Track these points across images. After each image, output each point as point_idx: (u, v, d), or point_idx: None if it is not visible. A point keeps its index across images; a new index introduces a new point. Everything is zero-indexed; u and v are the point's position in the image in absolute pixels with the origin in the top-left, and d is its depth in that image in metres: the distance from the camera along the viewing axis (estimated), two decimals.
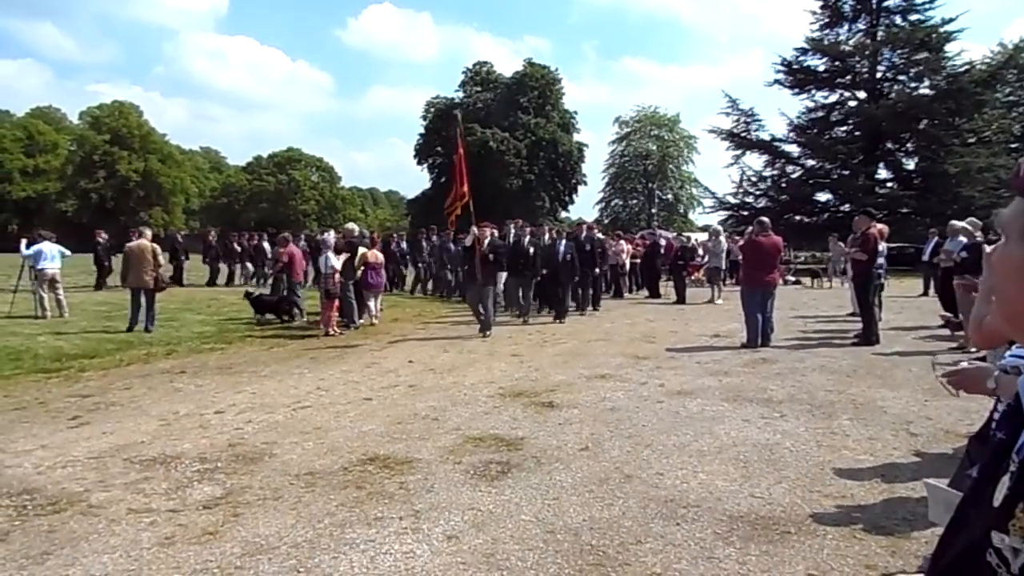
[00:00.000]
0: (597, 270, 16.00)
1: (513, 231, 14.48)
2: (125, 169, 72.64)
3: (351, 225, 12.34)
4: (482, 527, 3.91)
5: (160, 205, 76.67)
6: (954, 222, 12.00)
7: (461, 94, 60.18)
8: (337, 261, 12.09)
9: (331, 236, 13.15)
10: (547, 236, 15.16)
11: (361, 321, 12.81)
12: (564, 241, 14.22)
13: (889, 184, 36.72)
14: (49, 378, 8.39)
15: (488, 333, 11.49)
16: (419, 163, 60.48)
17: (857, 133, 36.25)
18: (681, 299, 17.84)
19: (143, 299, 12.15)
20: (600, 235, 17.74)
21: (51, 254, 14.12)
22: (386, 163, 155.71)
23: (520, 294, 14.20)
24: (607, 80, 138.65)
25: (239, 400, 7.09)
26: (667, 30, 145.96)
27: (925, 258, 15.43)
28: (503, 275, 11.69)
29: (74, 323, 12.99)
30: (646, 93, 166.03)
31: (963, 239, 10.94)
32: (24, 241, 15.15)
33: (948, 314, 10.84)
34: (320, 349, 10.53)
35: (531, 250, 13.72)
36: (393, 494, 4.44)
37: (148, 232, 13.34)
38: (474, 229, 11.61)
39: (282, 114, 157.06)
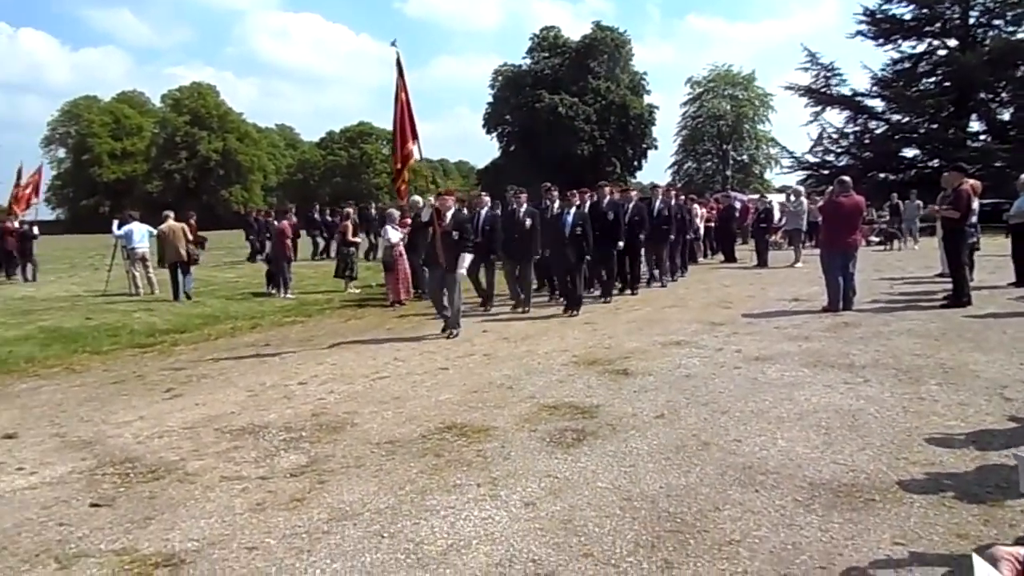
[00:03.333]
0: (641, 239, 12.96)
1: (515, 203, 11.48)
2: (205, 149, 75.32)
3: (416, 198, 12.09)
4: (559, 494, 3.95)
5: (239, 183, 79.20)
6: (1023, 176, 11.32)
7: (529, 60, 59.68)
8: (395, 234, 12.24)
9: (395, 211, 13.27)
10: (555, 205, 11.49)
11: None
12: (574, 210, 10.70)
13: (982, 137, 34.77)
14: (144, 352, 8.85)
15: (455, 332, 9.11)
16: (488, 132, 60.48)
17: (947, 84, 34.34)
18: (763, 262, 17.42)
19: (180, 272, 13.53)
20: (665, 199, 14.84)
21: (140, 234, 14.80)
22: (454, 133, 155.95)
23: (518, 276, 11.57)
24: (673, 40, 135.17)
25: (320, 371, 7.32)
26: None
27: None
28: (467, 257, 9.10)
29: (163, 299, 13.60)
30: (714, 52, 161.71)
31: None
32: (116, 222, 15.92)
33: None
34: (396, 319, 10.75)
35: (528, 222, 11.01)
36: (471, 461, 4.52)
37: (171, 214, 14.69)
38: (430, 199, 9.47)
39: (350, 88, 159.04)
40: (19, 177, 18.71)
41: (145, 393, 6.71)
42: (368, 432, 5.22)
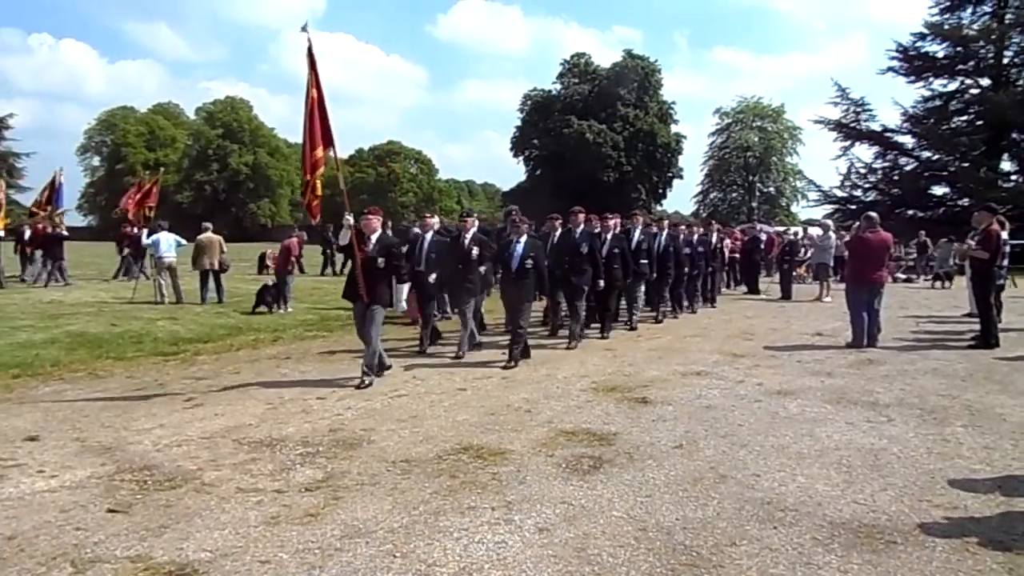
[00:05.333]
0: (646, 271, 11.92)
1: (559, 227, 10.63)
2: (236, 162, 76.50)
3: (433, 220, 11.31)
4: (573, 521, 3.92)
5: (268, 197, 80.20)
6: None
7: (558, 86, 60.09)
8: None
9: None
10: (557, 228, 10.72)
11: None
12: (524, 239, 8.82)
13: (1014, 177, 34.48)
14: (167, 360, 8.93)
15: (368, 381, 7.39)
16: (515, 155, 60.84)
17: (979, 123, 34.13)
18: (787, 295, 17.28)
19: (211, 279, 15.00)
20: (687, 231, 14.43)
21: (168, 243, 15.05)
22: (481, 156, 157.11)
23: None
24: (701, 71, 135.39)
25: (338, 387, 7.33)
26: (760, 18, 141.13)
27: None
28: (404, 288, 7.81)
29: (189, 308, 13.75)
30: (741, 84, 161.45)
31: None
32: (145, 231, 16.17)
33: None
34: (416, 339, 10.76)
35: (474, 251, 9.23)
36: (486, 484, 4.50)
37: (210, 225, 15.69)
38: (348, 218, 7.46)
39: (379, 108, 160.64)
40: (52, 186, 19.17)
41: (166, 401, 6.76)
42: (384, 450, 5.22)
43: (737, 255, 20.96)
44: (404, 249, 8.65)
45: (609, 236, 10.89)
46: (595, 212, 11.92)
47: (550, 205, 11.72)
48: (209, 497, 4.28)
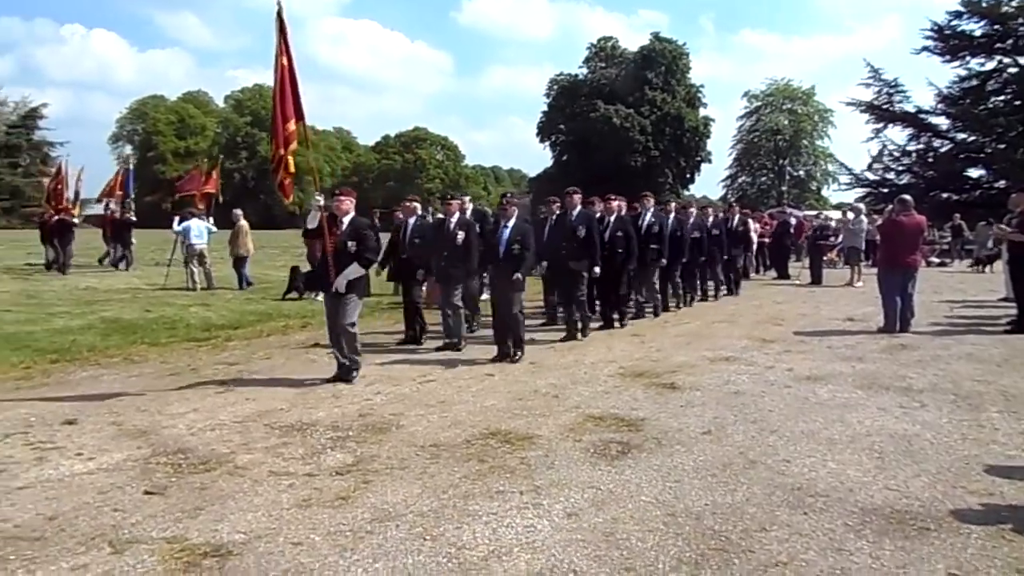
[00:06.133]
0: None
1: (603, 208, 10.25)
2: (265, 150, 76.98)
3: (414, 205, 10.29)
4: (602, 506, 3.92)
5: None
6: None
7: (585, 70, 59.58)
8: None
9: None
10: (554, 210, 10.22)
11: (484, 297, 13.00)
12: (512, 223, 8.31)
13: None
14: (199, 346, 9.07)
15: (355, 375, 7.03)
16: (541, 141, 60.43)
17: (1017, 103, 33.17)
18: (817, 280, 17.08)
19: (246, 265, 15.68)
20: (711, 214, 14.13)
21: (199, 230, 15.27)
22: (506, 142, 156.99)
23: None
24: (727, 54, 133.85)
25: (367, 372, 7.38)
26: (787, 0, 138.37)
27: None
28: (355, 269, 6.91)
29: (220, 295, 13.94)
30: (769, 66, 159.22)
31: None
32: (176, 218, 16.42)
33: None
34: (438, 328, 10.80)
35: (459, 235, 8.65)
36: (514, 469, 4.52)
37: (241, 212, 16.20)
38: (318, 199, 6.99)
39: (405, 94, 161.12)
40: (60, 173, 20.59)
41: (199, 386, 6.87)
42: (413, 434, 5.26)
43: (766, 240, 20.75)
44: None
45: (612, 219, 10.17)
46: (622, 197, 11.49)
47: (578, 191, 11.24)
48: (242, 480, 4.35)
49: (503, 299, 8.27)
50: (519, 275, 8.08)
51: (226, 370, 7.61)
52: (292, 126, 6.90)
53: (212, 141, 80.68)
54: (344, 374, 7.00)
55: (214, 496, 4.10)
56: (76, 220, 20.48)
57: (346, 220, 7.04)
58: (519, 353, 8.05)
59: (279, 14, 6.68)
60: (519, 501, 4.00)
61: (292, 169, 7.17)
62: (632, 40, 71.38)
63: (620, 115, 53.15)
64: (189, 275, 15.16)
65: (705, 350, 8.53)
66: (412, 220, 9.31)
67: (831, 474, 4.38)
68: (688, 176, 59.46)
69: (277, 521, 3.75)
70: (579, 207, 9.59)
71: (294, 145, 7.01)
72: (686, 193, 57.53)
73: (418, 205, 9.65)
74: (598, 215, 10.21)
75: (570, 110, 56.30)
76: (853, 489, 4.13)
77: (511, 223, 8.32)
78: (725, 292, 14.73)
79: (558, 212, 10.02)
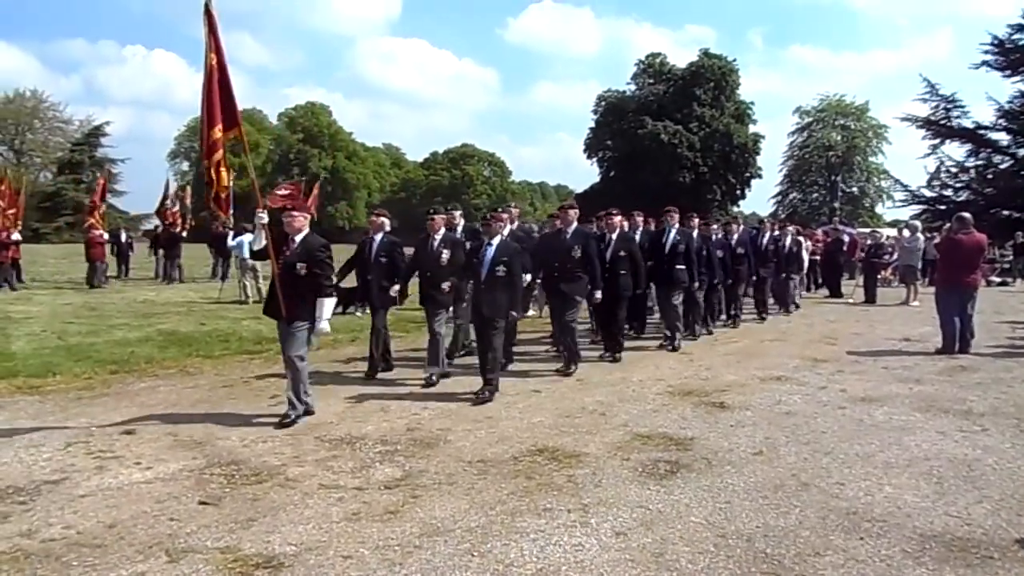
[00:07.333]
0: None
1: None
2: (316, 166, 78.79)
3: (381, 221, 9.37)
4: (651, 526, 3.88)
5: (345, 200, 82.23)
6: None
7: (633, 87, 59.50)
8: None
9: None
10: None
11: (531, 313, 13.02)
12: (496, 242, 7.22)
13: None
14: (252, 359, 9.25)
15: (292, 416, 6.05)
16: (588, 157, 60.45)
17: None
18: (871, 299, 16.68)
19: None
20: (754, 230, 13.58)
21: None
22: (553, 158, 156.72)
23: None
24: (777, 69, 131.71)
25: (416, 387, 7.44)
26: (838, 15, 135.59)
27: None
28: (328, 304, 6.29)
29: None
30: (819, 82, 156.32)
31: None
32: (231, 233, 16.82)
33: None
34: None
35: (444, 254, 7.87)
36: (562, 486, 4.50)
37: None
38: (260, 216, 6.10)
39: (453, 111, 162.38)
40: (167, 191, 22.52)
41: (252, 398, 7.02)
42: (461, 450, 5.29)
43: (818, 257, 20.33)
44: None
45: (614, 236, 9.26)
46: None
47: (624, 207, 10.73)
48: (293, 492, 4.42)
49: (485, 328, 7.23)
50: (514, 315, 7.40)
51: (278, 382, 7.73)
52: (218, 133, 6.03)
53: (266, 158, 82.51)
54: (292, 405, 6.10)
55: (266, 508, 4.17)
56: (184, 233, 22.42)
57: (298, 239, 6.17)
58: (487, 395, 6.98)
59: (207, 8, 5.85)
60: (567, 519, 3.98)
61: (226, 183, 6.38)
62: (679, 55, 70.79)
63: (668, 131, 52.92)
64: (242, 289, 15.51)
65: (755, 369, 8.39)
66: (379, 237, 8.22)
67: (888, 498, 4.27)
68: (738, 192, 58.83)
69: (327, 534, 3.80)
70: (575, 224, 8.62)
71: (219, 154, 6.12)
72: (735, 210, 56.84)
73: (386, 220, 8.50)
74: (596, 232, 9.56)
75: (617, 126, 56.27)
76: (911, 514, 4.02)
77: (495, 241, 7.25)
78: (777, 311, 14.17)
79: (549, 229, 9.14)
